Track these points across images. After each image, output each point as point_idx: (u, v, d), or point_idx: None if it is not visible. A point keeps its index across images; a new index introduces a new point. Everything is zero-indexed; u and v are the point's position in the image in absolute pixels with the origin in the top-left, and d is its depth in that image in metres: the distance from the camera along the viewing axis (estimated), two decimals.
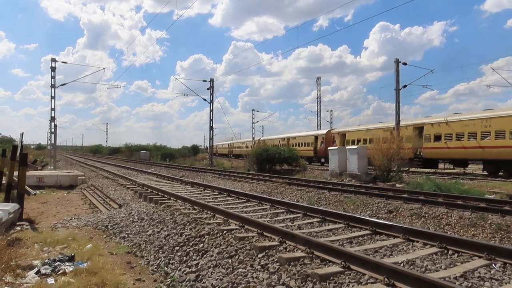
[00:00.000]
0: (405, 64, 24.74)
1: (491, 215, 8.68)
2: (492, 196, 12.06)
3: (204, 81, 35.04)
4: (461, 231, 8.35)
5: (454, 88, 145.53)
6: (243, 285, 4.43)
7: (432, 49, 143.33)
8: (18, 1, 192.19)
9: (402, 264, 4.61)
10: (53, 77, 29.71)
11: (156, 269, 5.68)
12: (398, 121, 23.93)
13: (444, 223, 8.86)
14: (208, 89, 34.73)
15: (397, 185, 15.73)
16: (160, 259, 6.02)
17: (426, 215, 9.43)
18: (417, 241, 5.71)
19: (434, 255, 5.10)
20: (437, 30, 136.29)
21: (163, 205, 9.92)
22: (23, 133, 14.16)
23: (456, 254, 5.11)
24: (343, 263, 4.50)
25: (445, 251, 5.24)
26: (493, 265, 4.59)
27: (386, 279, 3.94)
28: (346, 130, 32.88)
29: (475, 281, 4.07)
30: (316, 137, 36.39)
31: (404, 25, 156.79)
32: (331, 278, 4.20)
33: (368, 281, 4.07)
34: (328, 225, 7.28)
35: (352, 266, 4.42)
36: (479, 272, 4.33)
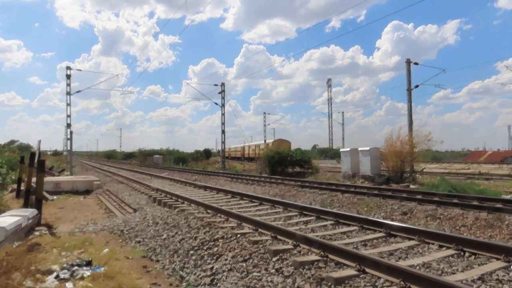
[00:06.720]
0: (416, 64, 24.44)
1: (508, 216, 8.50)
2: (508, 196, 11.81)
3: (216, 85, 35.18)
4: (478, 232, 8.20)
5: (468, 86, 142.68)
6: None
7: (447, 47, 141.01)
8: (35, 11, 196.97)
9: (418, 267, 4.57)
10: (68, 85, 30.32)
11: (171, 273, 5.75)
12: (410, 122, 23.65)
13: (460, 224, 8.72)
14: (219, 93, 34.89)
15: (411, 186, 15.54)
16: (175, 263, 6.09)
17: (441, 216, 9.30)
18: (433, 243, 5.65)
19: (450, 257, 5.03)
20: (451, 29, 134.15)
21: (177, 209, 10.02)
22: (40, 140, 14.49)
23: (473, 256, 5.04)
24: (358, 266, 4.49)
25: (462, 253, 5.16)
26: None
27: (402, 282, 3.92)
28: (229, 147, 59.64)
29: (493, 283, 4.01)
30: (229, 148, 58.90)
31: (417, 24, 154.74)
32: (346, 281, 4.20)
33: (384, 284, 4.05)
34: (342, 227, 7.25)
35: (367, 269, 4.41)
36: (497, 275, 4.25)
